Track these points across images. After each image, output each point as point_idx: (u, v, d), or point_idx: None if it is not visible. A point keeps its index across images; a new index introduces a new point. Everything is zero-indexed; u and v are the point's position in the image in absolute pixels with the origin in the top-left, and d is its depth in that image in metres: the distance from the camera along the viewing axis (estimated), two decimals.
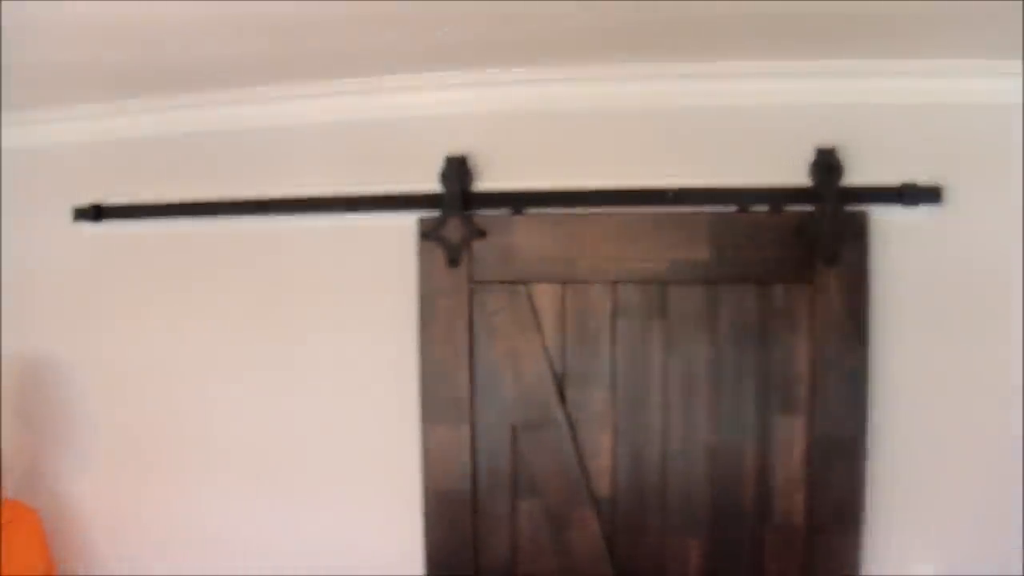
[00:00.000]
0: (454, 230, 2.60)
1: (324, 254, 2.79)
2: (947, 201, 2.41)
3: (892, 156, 2.43)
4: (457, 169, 2.60)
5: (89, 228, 3.03)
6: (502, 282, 2.61)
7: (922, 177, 2.41)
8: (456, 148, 2.63)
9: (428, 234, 2.62)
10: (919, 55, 2.34)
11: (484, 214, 2.61)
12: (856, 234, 2.41)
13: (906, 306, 2.44)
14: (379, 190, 2.68)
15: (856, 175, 2.44)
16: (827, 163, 2.41)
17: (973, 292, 2.43)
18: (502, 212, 2.61)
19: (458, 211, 2.59)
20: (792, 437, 2.48)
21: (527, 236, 2.58)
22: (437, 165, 2.62)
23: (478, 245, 2.60)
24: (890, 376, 2.45)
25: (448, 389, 2.63)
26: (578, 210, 2.57)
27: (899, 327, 2.45)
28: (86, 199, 3.01)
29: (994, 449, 2.43)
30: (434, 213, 2.63)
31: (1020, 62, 2.31)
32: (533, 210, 2.60)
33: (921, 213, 2.42)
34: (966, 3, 1.94)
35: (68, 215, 3.03)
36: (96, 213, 2.99)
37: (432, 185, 2.63)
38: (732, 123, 2.52)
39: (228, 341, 2.91)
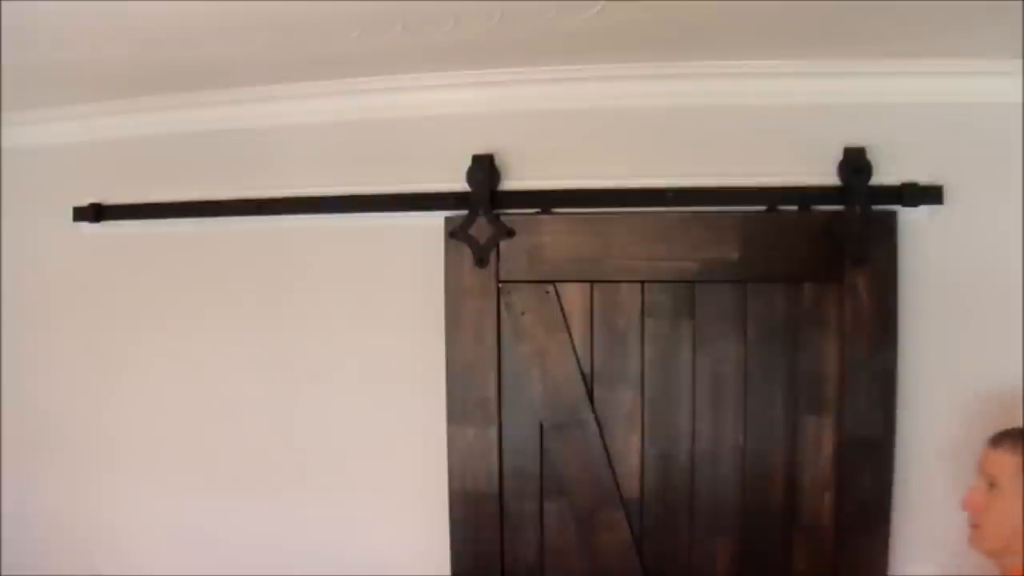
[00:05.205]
0: (482, 229, 2.58)
1: (348, 254, 2.76)
2: (958, 200, 2.43)
3: (900, 156, 2.45)
4: (485, 168, 2.57)
5: (89, 228, 2.99)
6: (530, 282, 2.59)
7: (941, 177, 2.43)
8: (481, 147, 2.60)
9: (455, 233, 2.59)
10: (920, 55, 2.37)
11: (511, 213, 2.59)
12: (885, 233, 2.42)
13: (931, 305, 2.46)
14: (403, 189, 2.65)
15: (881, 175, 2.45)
16: (856, 162, 2.42)
17: (982, 291, 2.45)
18: (529, 212, 2.59)
19: (486, 210, 2.57)
20: (821, 437, 2.48)
21: (555, 236, 2.57)
22: (462, 165, 2.59)
23: (505, 245, 2.58)
24: (913, 376, 2.46)
25: (475, 390, 2.61)
26: (606, 209, 2.55)
27: (924, 327, 2.46)
28: (86, 199, 2.97)
29: None
30: (460, 213, 2.60)
31: (1020, 62, 2.33)
32: (561, 209, 2.58)
33: (933, 212, 2.43)
34: (966, 3, 1.97)
35: (68, 215, 3.00)
36: (96, 213, 2.96)
37: (456, 185, 2.60)
38: (757, 123, 2.52)
39: (237, 341, 2.87)
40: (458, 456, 2.62)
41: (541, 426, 2.60)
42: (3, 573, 3.03)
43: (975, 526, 1.99)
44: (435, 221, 2.63)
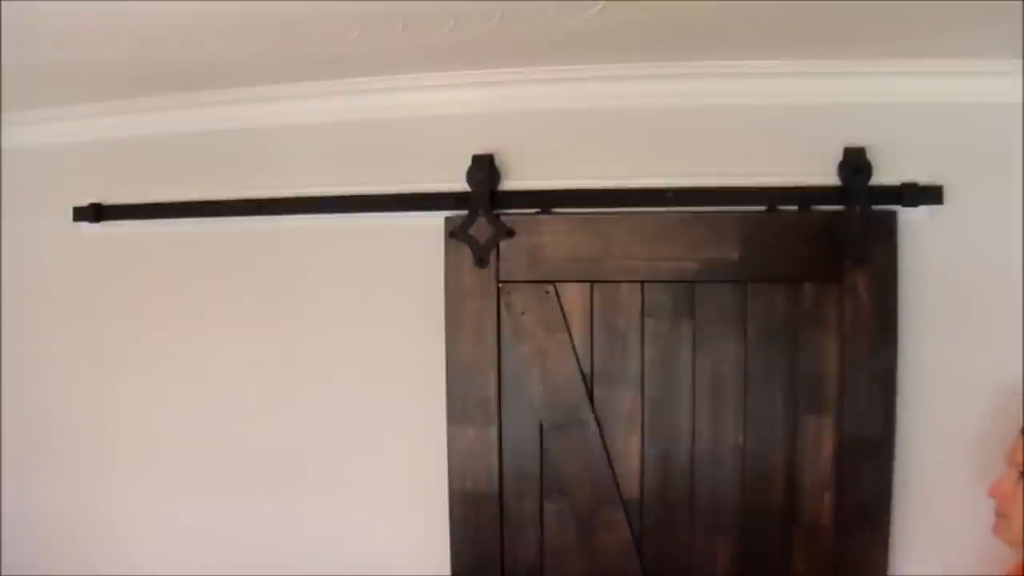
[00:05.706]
0: (482, 229, 2.57)
1: (348, 254, 2.75)
2: (958, 200, 2.43)
3: (900, 156, 2.44)
4: (485, 168, 2.57)
5: (89, 228, 2.98)
6: (530, 282, 2.58)
7: (941, 177, 2.43)
8: (481, 147, 2.60)
9: (455, 233, 2.59)
10: (920, 55, 2.36)
11: (511, 213, 2.59)
12: (885, 233, 2.41)
13: (931, 305, 2.45)
14: (403, 189, 2.65)
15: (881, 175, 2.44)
16: (856, 162, 2.41)
17: (982, 291, 2.45)
18: (529, 212, 2.58)
19: (486, 210, 2.56)
20: (820, 437, 2.48)
21: (555, 236, 2.56)
22: (462, 165, 2.59)
23: (505, 245, 2.58)
24: (913, 376, 2.46)
25: (475, 390, 2.60)
26: (606, 209, 2.55)
27: (924, 327, 2.45)
28: (86, 199, 2.96)
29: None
30: (460, 213, 2.60)
31: (1020, 62, 2.33)
32: (561, 209, 2.58)
33: (932, 212, 2.43)
34: (966, 3, 1.96)
35: (68, 215, 2.99)
36: (96, 213, 2.95)
37: (456, 185, 2.60)
38: (757, 123, 2.51)
39: (237, 341, 2.87)
40: (458, 456, 2.62)
41: (541, 426, 2.60)
42: (3, 573, 3.03)
43: (1001, 515, 1.99)
44: (435, 221, 2.62)
